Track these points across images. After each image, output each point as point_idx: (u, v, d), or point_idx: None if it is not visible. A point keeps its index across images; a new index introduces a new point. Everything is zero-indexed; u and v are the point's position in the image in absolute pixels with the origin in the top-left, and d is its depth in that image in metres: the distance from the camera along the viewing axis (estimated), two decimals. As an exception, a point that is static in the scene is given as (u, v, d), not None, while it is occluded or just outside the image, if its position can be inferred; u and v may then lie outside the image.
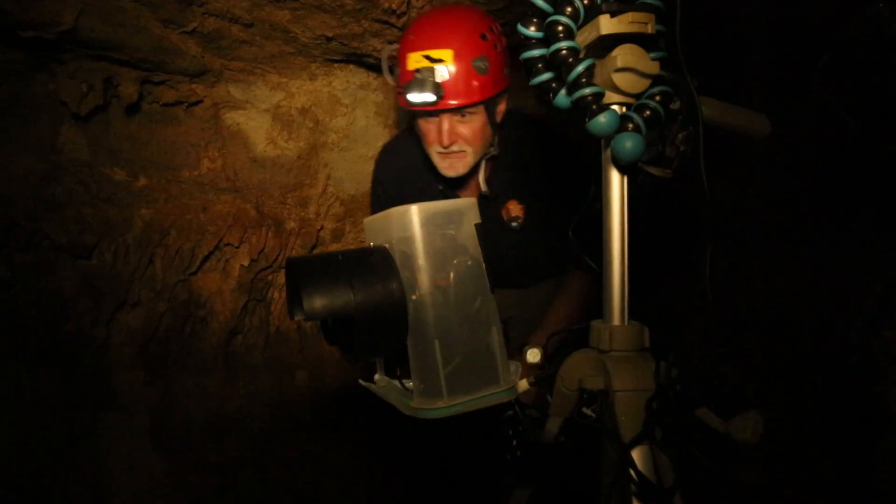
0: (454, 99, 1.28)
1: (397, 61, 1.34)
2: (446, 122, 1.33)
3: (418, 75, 1.27)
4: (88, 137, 1.64)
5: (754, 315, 1.38)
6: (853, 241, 1.20)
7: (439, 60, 1.27)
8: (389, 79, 1.37)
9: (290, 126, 1.92)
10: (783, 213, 1.49)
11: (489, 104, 1.35)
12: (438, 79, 1.27)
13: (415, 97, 1.26)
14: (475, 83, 1.30)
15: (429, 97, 1.26)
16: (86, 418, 1.78)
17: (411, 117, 1.43)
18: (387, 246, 0.77)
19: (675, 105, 0.80)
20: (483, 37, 1.33)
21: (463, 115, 1.34)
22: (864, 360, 0.90)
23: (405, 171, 1.55)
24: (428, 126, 1.35)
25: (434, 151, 1.37)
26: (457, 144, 1.34)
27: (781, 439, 1.14)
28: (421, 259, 0.73)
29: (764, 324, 1.35)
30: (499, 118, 1.40)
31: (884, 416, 0.88)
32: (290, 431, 2.14)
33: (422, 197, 1.00)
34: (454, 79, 1.28)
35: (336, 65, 1.85)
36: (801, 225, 1.46)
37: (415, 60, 1.29)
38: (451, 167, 1.37)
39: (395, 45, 1.43)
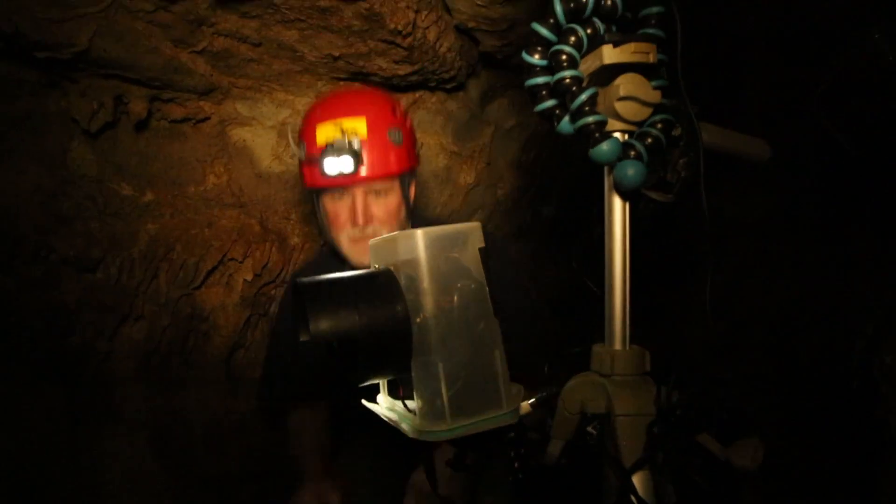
0: (371, 169, 1.22)
1: (301, 138, 1.28)
2: (360, 197, 1.25)
3: (334, 144, 1.20)
4: (97, 153, 1.67)
5: (755, 336, 1.38)
6: (852, 261, 1.21)
7: (352, 131, 1.21)
8: (297, 151, 1.29)
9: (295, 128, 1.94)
10: (783, 233, 1.50)
11: (404, 181, 1.30)
12: (355, 147, 1.21)
13: (331, 166, 1.19)
14: (391, 155, 1.24)
15: (347, 164, 1.19)
16: (87, 431, 1.78)
17: (314, 200, 1.34)
18: (392, 269, 0.78)
19: (676, 132, 0.81)
20: (393, 110, 1.29)
21: (377, 193, 1.27)
22: (864, 384, 0.90)
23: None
24: (338, 207, 1.27)
25: (345, 237, 1.28)
26: (371, 226, 1.26)
27: (782, 462, 1.14)
28: (425, 282, 0.73)
29: (764, 345, 1.36)
30: (411, 201, 1.34)
31: (884, 441, 0.88)
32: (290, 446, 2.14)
33: None
34: (370, 148, 1.22)
35: (342, 82, 1.87)
36: (801, 245, 1.47)
37: (325, 131, 1.23)
38: (364, 253, 1.26)
39: (299, 122, 1.37)
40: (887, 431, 0.88)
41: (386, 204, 1.29)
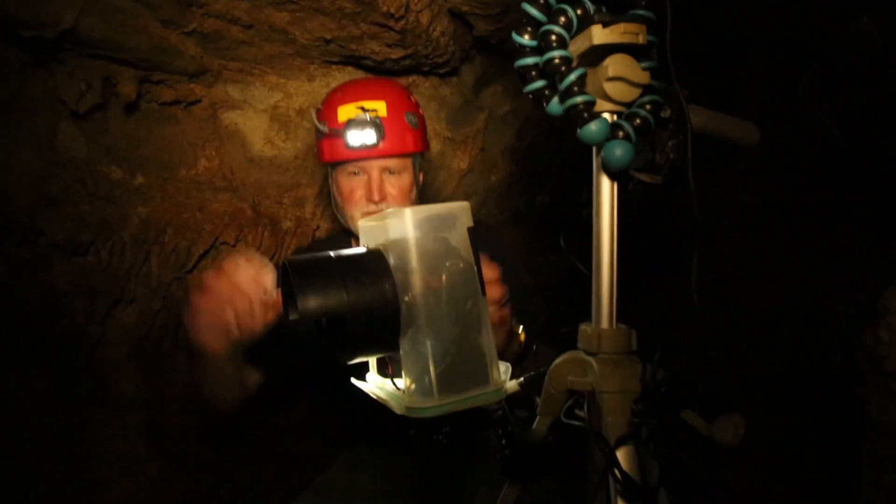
0: (391, 144, 1.28)
1: (321, 118, 1.33)
2: (376, 174, 1.31)
3: (356, 118, 1.27)
4: (86, 136, 1.65)
5: (742, 319, 1.40)
6: (840, 247, 1.22)
7: (373, 110, 1.29)
8: (320, 126, 1.34)
9: (288, 126, 1.93)
10: (773, 220, 1.51)
11: (415, 163, 1.37)
12: (378, 122, 1.28)
13: (354, 138, 1.26)
14: (408, 135, 1.32)
15: (370, 136, 1.26)
16: (80, 416, 1.78)
17: (330, 177, 1.40)
18: (381, 248, 0.78)
19: (666, 113, 0.81)
20: (409, 97, 1.38)
21: (391, 172, 1.33)
22: (846, 364, 0.92)
23: None
24: (354, 183, 1.33)
25: (359, 214, 1.33)
26: (385, 203, 1.32)
27: (766, 441, 1.16)
28: (414, 261, 0.74)
29: (751, 328, 1.37)
30: (420, 185, 1.41)
31: (865, 419, 0.90)
32: (285, 431, 2.15)
33: None
34: (390, 125, 1.29)
35: (334, 66, 1.86)
36: (789, 231, 1.48)
37: (347, 111, 1.29)
38: None
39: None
40: (867, 409, 0.90)
41: (400, 183, 1.34)
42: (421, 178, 1.43)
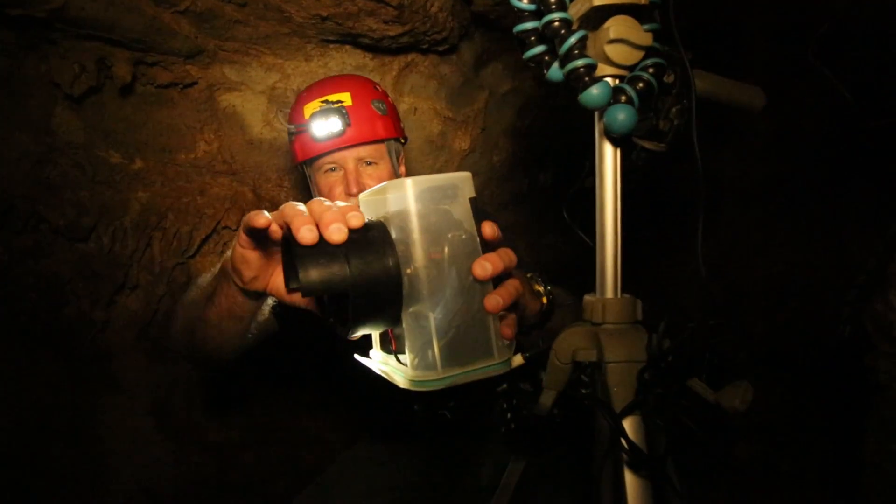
0: (359, 131, 1.27)
1: (290, 122, 1.33)
2: (352, 165, 1.29)
3: (320, 110, 1.26)
4: (83, 119, 1.64)
5: (750, 289, 1.39)
6: (849, 216, 1.21)
7: (337, 101, 1.28)
8: (290, 127, 1.34)
9: (287, 108, 1.91)
10: (780, 191, 1.49)
11: (391, 151, 1.34)
12: (342, 111, 1.26)
13: (319, 128, 1.24)
14: (378, 122, 1.30)
15: (335, 124, 1.24)
16: (88, 400, 1.80)
17: (309, 179, 1.38)
18: (382, 220, 0.77)
19: (669, 78, 0.79)
20: (375, 87, 1.37)
21: (367, 164, 1.31)
22: (855, 332, 0.91)
23: None
24: (331, 180, 1.30)
25: None
26: None
27: (773, 411, 1.16)
28: (416, 233, 0.73)
29: (759, 297, 1.36)
30: (401, 176, 1.37)
31: (873, 386, 0.89)
32: (291, 412, 2.16)
33: None
34: (355, 113, 1.27)
35: (331, 45, 1.83)
36: (798, 202, 1.46)
37: (312, 107, 1.28)
38: None
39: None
40: (874, 377, 0.89)
41: (378, 173, 1.32)
42: (402, 169, 1.40)
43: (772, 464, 1.24)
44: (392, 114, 1.37)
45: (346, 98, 1.30)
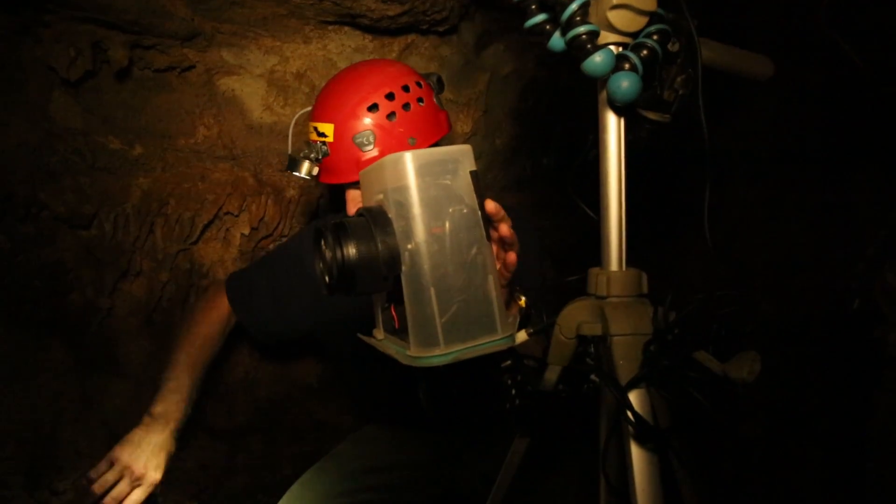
0: (334, 176, 1.26)
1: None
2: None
3: (308, 141, 1.26)
4: (81, 105, 1.62)
5: (758, 265, 1.37)
6: (859, 188, 1.18)
7: (323, 135, 1.24)
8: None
9: (286, 91, 1.89)
10: (789, 162, 1.47)
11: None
12: (321, 154, 1.25)
13: (304, 167, 1.26)
14: (353, 165, 1.23)
15: (313, 168, 1.25)
16: (95, 386, 1.81)
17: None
18: (381, 196, 0.76)
19: (674, 47, 0.77)
20: (371, 108, 1.21)
21: None
22: (865, 304, 0.89)
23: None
24: (352, 194, 1.32)
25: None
26: None
27: (780, 389, 1.15)
28: (416, 208, 0.72)
29: (767, 273, 1.34)
30: None
31: (882, 358, 0.88)
32: (297, 398, 2.17)
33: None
34: (335, 153, 1.24)
35: (330, 27, 1.81)
36: (806, 174, 1.44)
37: (308, 131, 1.28)
38: None
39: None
40: (885, 349, 0.88)
41: None
42: None
43: (777, 442, 1.23)
44: (383, 140, 1.22)
45: (328, 132, 1.22)
